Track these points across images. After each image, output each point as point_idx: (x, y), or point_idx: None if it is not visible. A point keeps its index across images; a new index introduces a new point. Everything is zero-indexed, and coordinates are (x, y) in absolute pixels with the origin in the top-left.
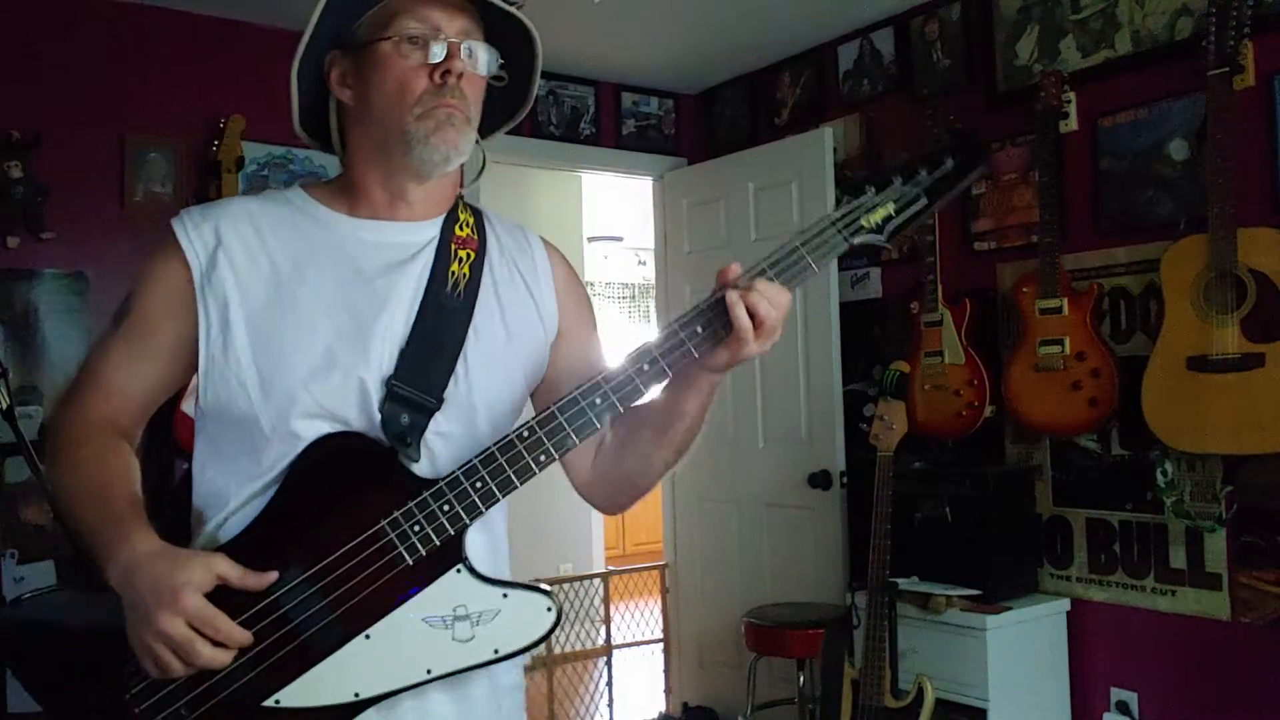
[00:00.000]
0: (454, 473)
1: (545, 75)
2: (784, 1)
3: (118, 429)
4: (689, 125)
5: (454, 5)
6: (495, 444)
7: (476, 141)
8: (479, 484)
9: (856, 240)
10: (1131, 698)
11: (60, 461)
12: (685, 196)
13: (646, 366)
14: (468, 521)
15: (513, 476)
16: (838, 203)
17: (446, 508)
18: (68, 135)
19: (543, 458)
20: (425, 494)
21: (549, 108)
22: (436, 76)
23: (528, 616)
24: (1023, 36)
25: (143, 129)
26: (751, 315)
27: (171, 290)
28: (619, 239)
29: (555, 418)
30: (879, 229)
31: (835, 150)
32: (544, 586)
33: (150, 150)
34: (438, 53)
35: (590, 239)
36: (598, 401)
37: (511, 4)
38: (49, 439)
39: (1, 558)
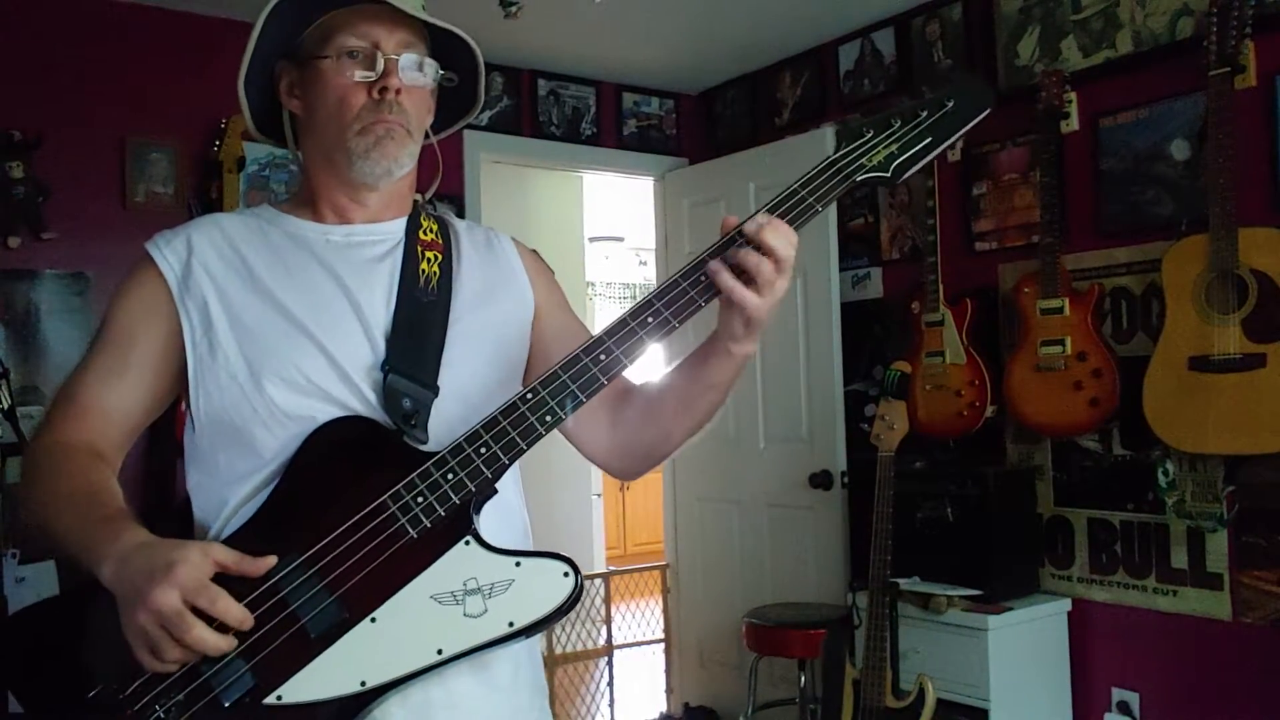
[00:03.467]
0: (457, 440)
1: (546, 75)
2: (784, 2)
3: (96, 451)
4: (690, 125)
5: (393, 19)
6: (498, 409)
7: (428, 137)
8: (483, 449)
9: (860, 178)
10: (1133, 698)
11: (39, 484)
12: (686, 196)
13: (650, 319)
14: (473, 489)
15: (517, 439)
16: (836, 147)
17: (450, 475)
18: (69, 135)
19: (549, 418)
20: (427, 464)
21: (550, 108)
22: (374, 93)
23: (544, 585)
24: (1024, 36)
25: (144, 129)
26: (765, 252)
27: (148, 302)
28: (620, 239)
29: (558, 376)
30: (883, 167)
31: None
32: (561, 553)
33: (151, 150)
34: (375, 70)
35: (591, 239)
36: (602, 357)
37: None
38: (26, 466)
39: (2, 558)
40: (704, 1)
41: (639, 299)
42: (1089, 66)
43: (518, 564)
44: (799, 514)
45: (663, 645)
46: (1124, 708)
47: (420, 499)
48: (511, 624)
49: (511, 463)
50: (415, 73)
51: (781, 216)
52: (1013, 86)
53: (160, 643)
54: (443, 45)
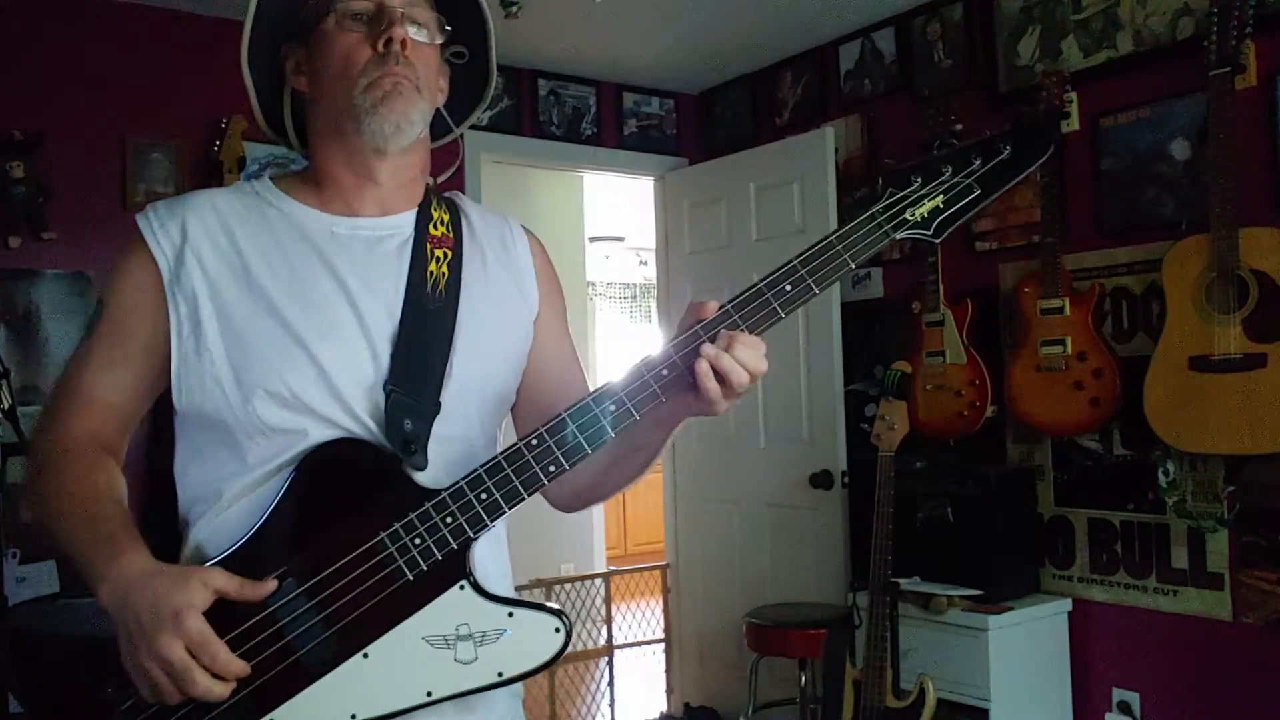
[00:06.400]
0: (458, 483)
1: (546, 75)
2: (785, 2)
3: (101, 443)
4: (690, 125)
5: None
6: (502, 453)
7: (447, 130)
8: (484, 495)
9: (900, 235)
10: (1133, 698)
11: (42, 483)
12: (686, 196)
13: (665, 371)
14: (472, 535)
15: (520, 488)
16: (881, 194)
17: (449, 519)
18: (70, 136)
19: (552, 468)
20: (427, 505)
21: (550, 108)
22: (379, 45)
23: (534, 638)
24: (1024, 36)
25: (144, 129)
26: (723, 378)
27: (142, 290)
28: (620, 239)
29: (566, 425)
30: (926, 223)
31: (836, 150)
32: (553, 606)
33: (152, 150)
34: (378, 21)
35: (592, 239)
36: (611, 408)
37: None
38: (30, 460)
39: (3, 558)
40: (704, 1)
41: (645, 356)
42: (1089, 66)
43: (510, 614)
44: (799, 514)
45: (663, 645)
46: (1124, 708)
47: (418, 541)
48: (500, 674)
49: (511, 509)
50: (418, 27)
51: (813, 271)
52: (1013, 86)
53: (165, 690)
54: (452, 21)
